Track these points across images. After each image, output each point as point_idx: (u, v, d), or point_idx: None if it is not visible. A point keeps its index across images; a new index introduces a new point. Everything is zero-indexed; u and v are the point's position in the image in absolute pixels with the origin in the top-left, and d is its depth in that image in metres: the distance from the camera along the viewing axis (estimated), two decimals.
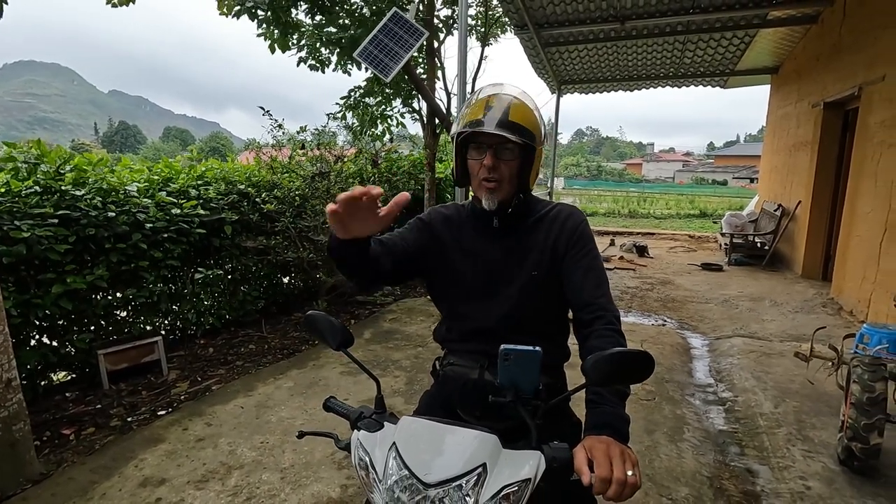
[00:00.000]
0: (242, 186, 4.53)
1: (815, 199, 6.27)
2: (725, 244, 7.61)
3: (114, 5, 4.78)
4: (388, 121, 7.81)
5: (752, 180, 44.31)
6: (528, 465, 0.86)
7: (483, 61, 8.41)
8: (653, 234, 10.92)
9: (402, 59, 4.92)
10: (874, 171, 4.65)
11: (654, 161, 65.18)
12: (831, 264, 6.10)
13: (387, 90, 7.50)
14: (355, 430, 0.99)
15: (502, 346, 0.93)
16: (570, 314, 1.28)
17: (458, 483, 0.81)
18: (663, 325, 4.95)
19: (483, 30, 8.13)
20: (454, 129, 1.26)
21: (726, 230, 8.14)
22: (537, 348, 0.92)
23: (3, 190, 2.97)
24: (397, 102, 7.55)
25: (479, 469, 0.83)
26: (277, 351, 4.08)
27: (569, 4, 6.55)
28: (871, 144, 4.78)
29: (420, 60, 6.84)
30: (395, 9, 4.98)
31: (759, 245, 7.38)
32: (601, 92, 10.01)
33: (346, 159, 4.94)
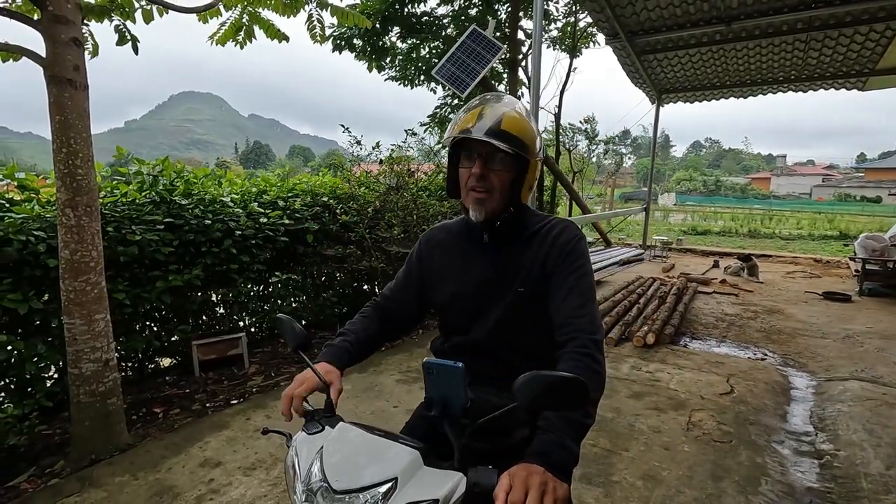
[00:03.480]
0: (326, 199, 4.88)
1: None
2: (857, 271, 6.51)
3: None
4: None
5: None
6: (446, 485, 0.82)
7: (572, 73, 8.25)
8: (769, 256, 9.69)
9: (477, 74, 4.99)
10: None
11: (785, 175, 57.94)
12: None
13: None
14: (300, 431, 1.03)
15: (425, 360, 0.92)
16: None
17: (365, 493, 0.81)
18: (762, 359, 4.36)
19: (570, 41, 7.96)
20: (445, 135, 1.28)
21: (860, 254, 6.97)
22: (459, 364, 0.89)
23: (126, 200, 3.53)
24: None
25: (390, 482, 0.81)
26: None
27: (664, 9, 6.16)
28: None
29: (503, 74, 6.87)
30: (473, 26, 5.09)
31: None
32: (708, 100, 9.18)
33: (417, 174, 5.09)
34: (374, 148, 4.88)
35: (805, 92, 8.48)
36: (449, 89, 7.74)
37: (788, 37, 6.60)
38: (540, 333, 1.23)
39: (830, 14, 5.92)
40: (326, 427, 1.00)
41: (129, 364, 3.67)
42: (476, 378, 1.23)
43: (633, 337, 4.55)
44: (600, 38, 7.63)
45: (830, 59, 7.25)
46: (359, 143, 4.83)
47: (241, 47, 4.87)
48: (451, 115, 8.42)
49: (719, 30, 6.36)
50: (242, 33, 3.53)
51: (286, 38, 4.22)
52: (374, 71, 7.88)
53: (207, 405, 3.31)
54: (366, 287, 5.40)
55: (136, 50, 3.09)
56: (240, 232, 3.97)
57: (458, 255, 1.32)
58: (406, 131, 5.12)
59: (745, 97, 8.87)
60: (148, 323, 3.70)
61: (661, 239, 9.70)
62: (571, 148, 10.04)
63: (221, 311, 4.27)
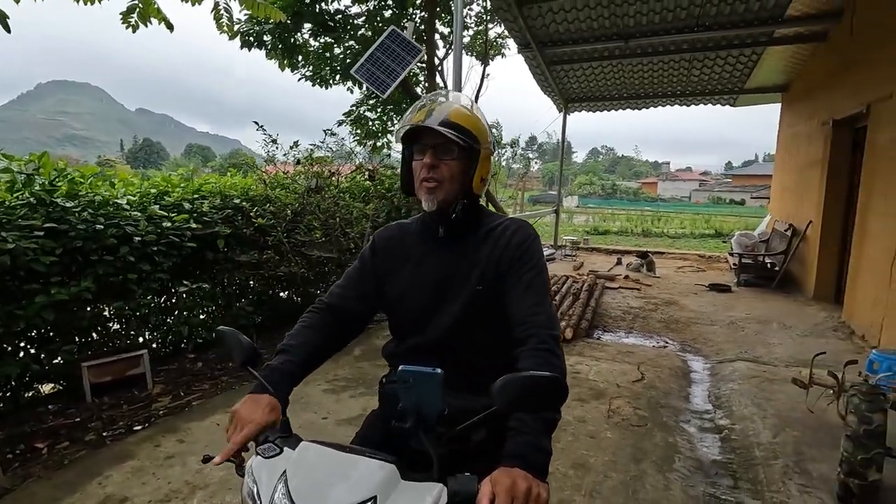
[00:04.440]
0: (238, 201, 4.55)
1: (825, 219, 6.08)
2: (735, 264, 7.41)
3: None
4: (389, 135, 7.88)
5: (770, 199, 43.49)
6: (427, 497, 0.78)
7: (485, 79, 8.49)
8: (662, 253, 10.71)
9: (398, 75, 4.95)
10: (884, 191, 4.49)
11: (669, 180, 64.62)
12: (843, 286, 5.87)
13: (388, 106, 7.59)
14: (253, 456, 0.93)
15: (401, 367, 0.87)
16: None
17: None
18: (664, 347, 4.79)
19: (482, 49, 8.20)
20: (396, 130, 1.29)
21: (736, 250, 7.94)
22: (437, 370, 0.86)
23: None
24: (395, 118, 7.64)
25: (370, 501, 0.75)
26: None
27: (571, 23, 6.57)
28: (880, 163, 4.62)
29: (420, 77, 6.90)
30: (392, 27, 5.04)
31: (769, 266, 7.16)
32: (608, 110, 9.96)
33: (343, 175, 4.92)
34: (291, 147, 4.64)
35: (688, 105, 9.50)
36: (366, 89, 7.62)
37: (676, 56, 7.36)
38: (497, 331, 1.23)
39: (709, 37, 6.68)
40: (285, 448, 0.91)
41: (0, 393, 3.13)
42: (454, 381, 1.20)
43: None
44: (511, 46, 7.93)
45: (709, 78, 8.19)
46: (274, 141, 4.57)
47: (134, 30, 4.40)
48: (367, 114, 8.29)
49: (619, 45, 6.91)
50: (136, 15, 3.18)
51: (170, 27, 3.86)
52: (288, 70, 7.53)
53: (105, 434, 2.92)
54: (284, 294, 5.12)
55: (6, 27, 2.65)
56: (139, 238, 3.56)
57: (413, 250, 1.29)
58: (325, 131, 4.93)
59: (640, 108, 9.72)
60: (24, 344, 3.19)
61: (571, 239, 10.31)
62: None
63: (117, 326, 3.80)
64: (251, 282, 4.70)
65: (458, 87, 4.46)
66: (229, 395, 3.45)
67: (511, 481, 0.80)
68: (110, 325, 3.75)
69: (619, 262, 8.91)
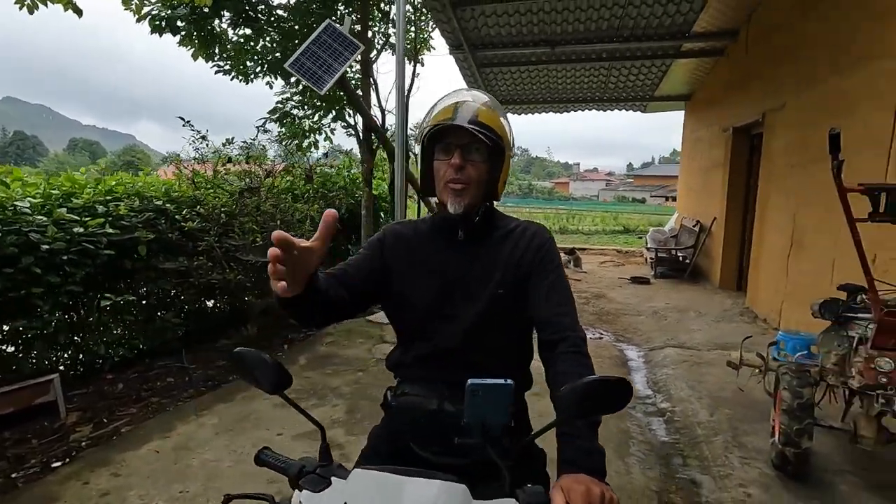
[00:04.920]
0: (160, 202, 4.13)
1: (728, 215, 6.79)
2: (651, 258, 8.04)
3: None
4: (317, 134, 7.56)
5: (666, 198, 47.93)
6: None
7: (415, 78, 8.45)
8: (584, 249, 11.36)
9: (336, 71, 4.77)
10: (780, 190, 5.10)
11: (580, 180, 68.80)
12: (744, 276, 6.60)
13: (317, 103, 7.28)
14: (297, 490, 0.83)
15: (470, 381, 0.82)
16: (536, 336, 1.20)
17: None
18: (600, 338, 5.07)
19: (411, 47, 8.14)
20: (420, 131, 1.22)
21: (651, 245, 8.63)
22: (509, 381, 0.82)
23: None
24: (328, 116, 7.35)
25: None
26: (200, 383, 3.69)
27: (502, 28, 6.73)
28: (775, 165, 5.24)
29: (355, 75, 6.71)
30: (328, 20, 4.84)
31: (681, 259, 7.87)
32: (534, 113, 10.37)
33: (277, 174, 4.64)
34: (225, 144, 4.28)
35: (606, 111, 10.14)
36: (293, 85, 7.25)
37: (596, 63, 7.82)
38: (511, 334, 1.22)
39: (626, 48, 7.18)
40: (333, 479, 0.82)
41: None
42: (451, 389, 1.17)
43: None
44: (438, 47, 7.96)
45: (624, 85, 8.80)
46: (204, 138, 4.19)
47: (31, 11, 3.88)
48: (294, 111, 7.90)
49: (546, 51, 7.20)
50: None
51: (78, 12, 3.45)
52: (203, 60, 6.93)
53: (14, 475, 2.51)
54: (216, 304, 4.73)
55: None
56: (46, 246, 3.10)
57: (423, 250, 1.24)
58: (257, 127, 4.61)
59: (562, 112, 10.21)
60: None
61: None
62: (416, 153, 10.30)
63: (12, 349, 3.29)
64: (178, 291, 4.29)
65: (402, 86, 4.39)
66: (164, 417, 3.12)
67: (584, 488, 0.79)
68: (4, 348, 3.24)
69: None
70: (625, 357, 4.49)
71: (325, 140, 7.38)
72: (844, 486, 2.39)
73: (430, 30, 7.84)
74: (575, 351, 1.07)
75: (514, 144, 1.22)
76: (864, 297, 2.60)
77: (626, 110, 10.06)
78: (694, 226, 7.79)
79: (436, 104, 1.21)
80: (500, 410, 0.83)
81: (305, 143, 7.83)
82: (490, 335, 1.18)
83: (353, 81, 6.61)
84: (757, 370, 3.03)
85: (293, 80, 6.52)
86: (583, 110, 10.09)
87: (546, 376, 1.11)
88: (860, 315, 2.39)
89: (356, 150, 7.19)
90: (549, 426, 0.83)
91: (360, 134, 6.37)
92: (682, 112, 9.83)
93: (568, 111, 10.19)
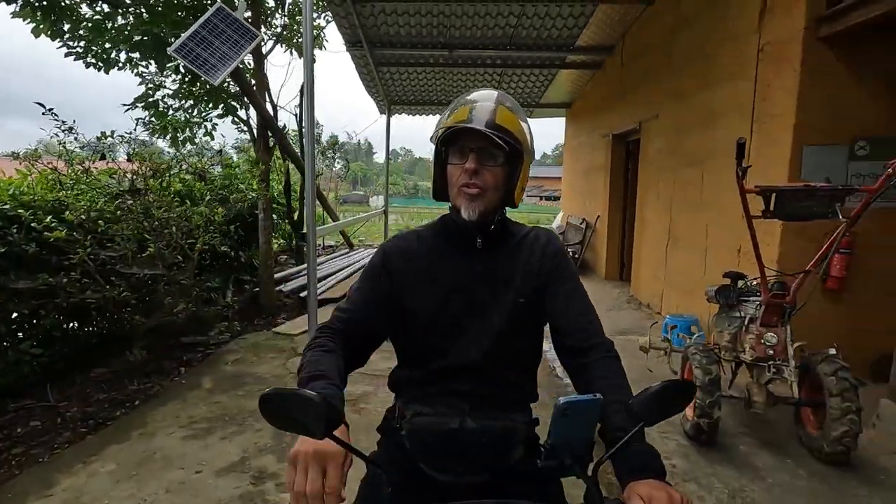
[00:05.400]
0: (7, 206, 3.37)
1: (610, 213, 7.53)
2: None
3: None
4: (196, 129, 6.77)
5: (541, 198, 51.92)
6: None
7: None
8: None
9: (231, 61, 4.32)
10: (656, 190, 5.78)
11: None
12: (626, 267, 7.37)
13: (197, 93, 6.54)
14: None
15: (561, 400, 0.77)
16: (553, 343, 1.19)
17: None
18: None
19: (301, 42, 7.72)
20: (434, 133, 1.16)
21: None
22: (598, 395, 0.80)
23: None
24: (214, 109, 6.65)
25: None
26: (79, 423, 3.09)
27: (402, 27, 6.68)
28: (651, 168, 5.93)
29: (248, 67, 6.16)
30: (219, 3, 4.36)
31: (570, 254, 8.55)
32: (429, 114, 10.46)
33: (162, 171, 4.04)
34: (100, 138, 3.60)
35: None
36: (168, 71, 6.42)
37: (490, 69, 8.13)
38: (529, 343, 1.22)
39: (518, 56, 7.58)
40: None
41: None
42: (473, 404, 1.11)
43: None
44: (332, 43, 7.67)
45: (514, 91, 9.28)
46: (71, 129, 3.48)
47: None
48: (167, 100, 7.00)
49: (444, 54, 7.31)
50: None
51: None
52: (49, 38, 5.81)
53: None
54: (91, 326, 4.00)
55: None
56: None
57: (442, 264, 1.17)
58: (137, 120, 3.97)
59: None
60: None
61: None
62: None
63: None
64: (38, 314, 3.53)
65: (311, 83, 4.13)
66: (39, 471, 2.54)
67: (665, 494, 0.79)
68: None
69: None
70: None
71: (204, 136, 6.64)
72: (743, 447, 2.77)
73: (325, 25, 7.52)
74: (612, 356, 1.10)
75: (533, 148, 1.18)
76: (744, 282, 3.03)
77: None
78: (581, 224, 8.51)
79: (452, 105, 1.14)
80: (589, 427, 0.80)
81: (181, 137, 6.99)
82: (511, 345, 1.16)
83: (247, 74, 6.06)
84: (663, 352, 3.38)
85: (171, 66, 5.79)
86: None
87: (576, 382, 1.11)
88: (752, 298, 2.78)
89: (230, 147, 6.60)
90: (632, 433, 0.82)
91: (255, 129, 5.87)
92: (563, 119, 10.70)
93: None
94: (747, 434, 2.90)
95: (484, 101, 1.10)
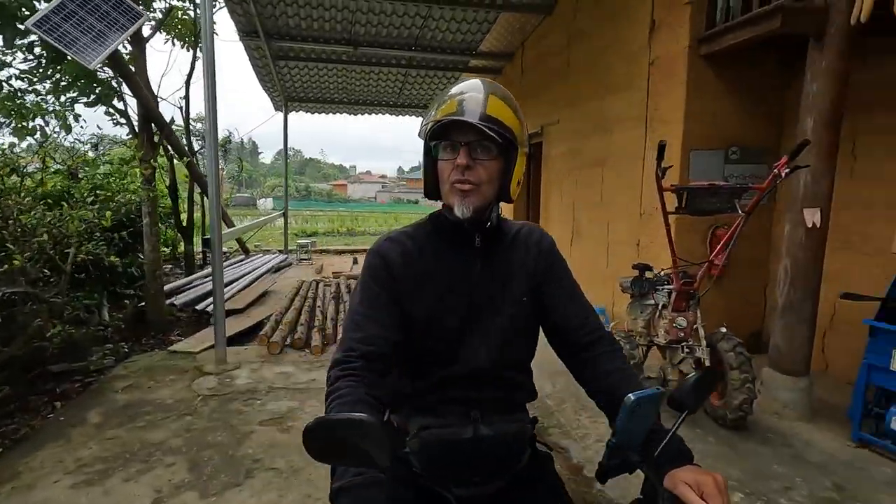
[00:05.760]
0: None
1: (516, 212, 7.87)
2: None
3: None
4: (47, 118, 5.76)
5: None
6: None
7: (195, 65, 7.31)
8: None
9: (110, 42, 3.77)
10: (560, 191, 6.16)
11: (357, 182, 70.10)
12: None
13: (60, 76, 5.58)
14: None
15: (630, 396, 0.76)
16: (550, 341, 1.18)
17: None
18: None
19: (184, 31, 6.99)
20: (421, 129, 1.08)
21: None
22: (660, 388, 0.80)
23: None
24: (84, 97, 5.72)
25: None
26: None
27: (303, 19, 6.35)
28: (554, 170, 6.31)
29: (126, 52, 5.38)
30: None
31: None
32: (328, 113, 10.09)
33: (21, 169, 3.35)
34: None
35: (398, 116, 10.56)
36: (14, 49, 5.40)
37: (395, 69, 8.06)
38: (530, 341, 1.20)
39: (423, 57, 7.62)
40: None
41: None
42: (484, 410, 1.06)
43: (312, 346, 4.46)
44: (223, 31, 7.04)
45: (418, 93, 9.32)
46: None
47: None
48: (15, 83, 5.86)
49: (347, 50, 7.09)
50: None
51: None
52: None
53: None
54: None
55: None
56: None
57: (442, 266, 1.09)
58: None
59: (356, 114, 10.21)
60: None
61: (303, 242, 10.01)
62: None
63: None
64: None
65: (212, 73, 3.74)
66: None
67: (710, 479, 0.80)
68: None
69: (355, 262, 9.19)
70: None
71: (60, 127, 5.67)
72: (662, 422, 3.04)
73: (215, 10, 6.84)
74: (617, 349, 1.11)
75: (528, 141, 1.15)
76: (652, 272, 3.34)
77: (419, 116, 10.68)
78: None
79: (440, 97, 1.07)
80: (649, 420, 0.80)
81: (30, 126, 5.89)
82: (515, 346, 1.13)
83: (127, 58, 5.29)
84: None
85: (22, 44, 4.87)
86: (381, 114, 10.30)
87: (583, 375, 1.11)
88: (665, 287, 3.06)
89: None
90: (682, 419, 0.84)
91: (137, 124, 5.16)
92: None
93: (363, 113, 10.26)
94: (664, 411, 3.18)
95: (473, 91, 1.04)
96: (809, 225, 2.76)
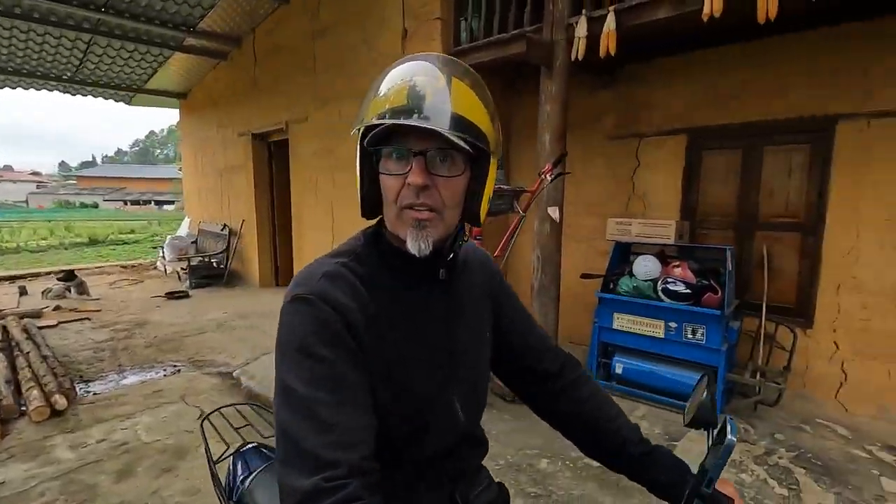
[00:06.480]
0: None
1: (258, 217, 7.09)
2: (182, 269, 7.28)
3: None
4: None
5: (126, 202, 43.31)
6: None
7: None
8: (74, 270, 8.79)
9: None
10: (315, 191, 5.85)
11: None
12: (280, 273, 7.17)
13: None
14: None
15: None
16: (510, 372, 1.04)
17: None
18: (179, 371, 4.27)
19: None
20: (356, 126, 0.76)
21: (171, 255, 7.80)
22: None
23: None
24: None
25: None
26: None
27: None
28: (307, 170, 5.95)
29: None
30: None
31: (215, 265, 7.55)
32: None
33: None
34: None
35: (76, 95, 8.08)
36: None
37: (72, 32, 6.10)
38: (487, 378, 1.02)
39: (118, 24, 6.00)
40: None
41: None
42: (464, 488, 0.87)
43: (30, 410, 3.20)
44: None
45: (110, 70, 7.32)
46: None
47: None
48: None
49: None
50: None
51: None
52: None
53: None
54: None
55: None
56: None
57: (393, 306, 0.81)
58: None
59: (14, 88, 7.36)
60: None
61: None
62: None
63: None
64: None
65: None
66: None
67: (731, 488, 0.83)
68: None
69: (25, 293, 6.61)
70: (233, 380, 4.00)
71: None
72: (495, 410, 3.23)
73: None
74: (586, 374, 1.04)
75: (500, 141, 0.82)
76: None
77: (107, 98, 8.39)
78: (222, 230, 7.64)
79: (379, 79, 0.75)
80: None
81: None
82: (484, 390, 0.95)
83: None
84: None
85: None
86: (47, 90, 7.62)
87: (553, 406, 1.01)
88: None
89: None
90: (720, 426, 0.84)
91: None
92: (168, 109, 9.23)
93: (22, 88, 7.42)
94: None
95: (427, 74, 0.71)
96: (556, 219, 3.37)
